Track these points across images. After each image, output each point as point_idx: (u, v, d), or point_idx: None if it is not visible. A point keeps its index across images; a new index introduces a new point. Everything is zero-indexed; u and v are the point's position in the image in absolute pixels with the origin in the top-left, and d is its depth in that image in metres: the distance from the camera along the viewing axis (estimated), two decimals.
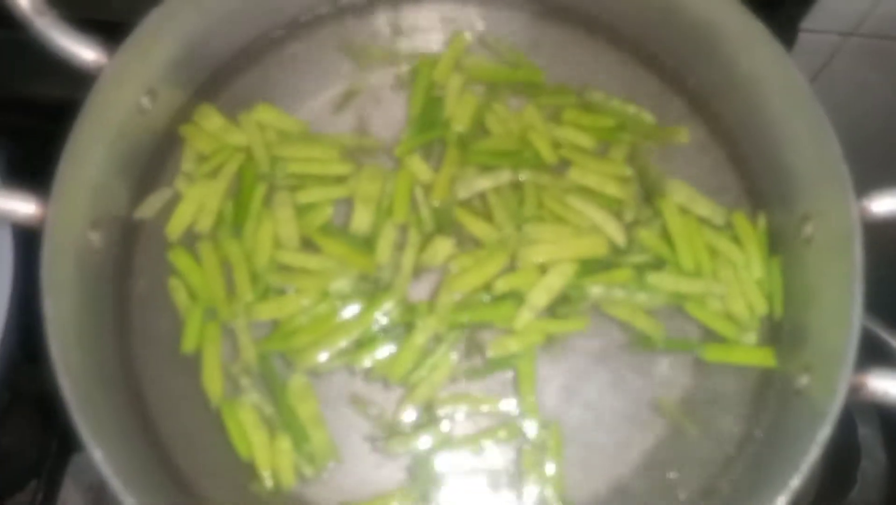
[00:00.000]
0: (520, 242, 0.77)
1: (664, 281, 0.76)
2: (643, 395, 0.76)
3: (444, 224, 0.79)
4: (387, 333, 0.74)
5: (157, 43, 0.76)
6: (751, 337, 0.76)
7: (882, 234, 0.70)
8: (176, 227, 0.78)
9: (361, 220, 0.78)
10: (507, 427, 0.73)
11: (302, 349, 0.74)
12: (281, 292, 0.76)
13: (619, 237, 0.78)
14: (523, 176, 0.80)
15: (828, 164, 0.70)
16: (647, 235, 0.79)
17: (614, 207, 0.80)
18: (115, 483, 0.60)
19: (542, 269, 0.76)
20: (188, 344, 0.74)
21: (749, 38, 0.76)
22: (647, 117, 0.85)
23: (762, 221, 0.79)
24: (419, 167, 0.80)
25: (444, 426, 0.73)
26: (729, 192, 0.83)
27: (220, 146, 0.82)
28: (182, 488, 0.71)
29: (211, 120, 0.81)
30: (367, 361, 0.74)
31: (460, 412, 0.73)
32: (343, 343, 0.74)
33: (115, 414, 0.70)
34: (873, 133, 1.06)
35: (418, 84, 0.85)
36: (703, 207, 0.80)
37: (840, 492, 0.91)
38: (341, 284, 0.75)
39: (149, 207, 0.79)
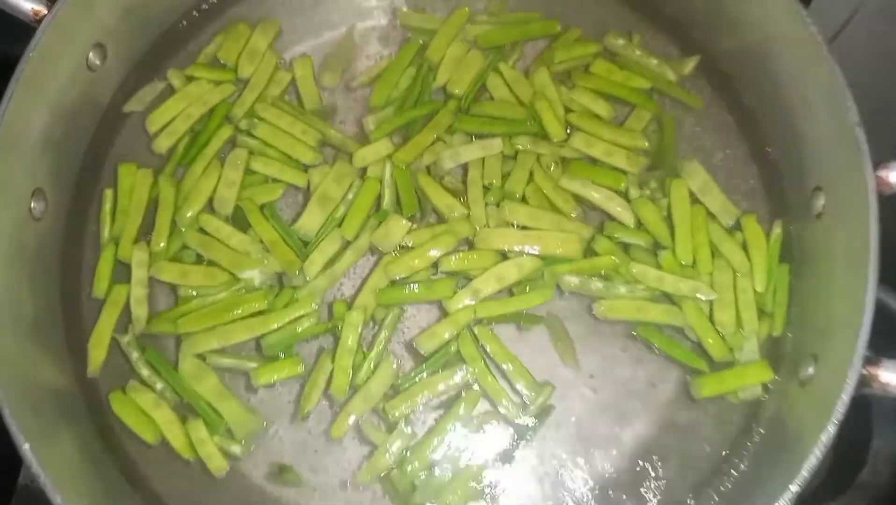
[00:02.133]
0: (487, 222, 0.71)
1: (647, 274, 0.70)
2: (637, 385, 0.71)
3: (408, 199, 0.72)
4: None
5: None
6: (751, 348, 0.69)
7: None
8: (156, 120, 0.75)
9: (310, 220, 0.72)
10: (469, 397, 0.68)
11: (192, 335, 0.69)
12: (195, 262, 0.71)
13: (627, 217, 0.72)
14: (519, 145, 0.74)
15: (843, 130, 0.63)
16: (648, 211, 0.72)
17: (618, 185, 0.74)
18: (45, 478, 0.56)
19: (503, 256, 0.71)
20: (99, 287, 0.71)
21: None
22: (669, 73, 0.78)
23: (777, 230, 0.72)
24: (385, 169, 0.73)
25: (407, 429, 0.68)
26: (737, 160, 0.77)
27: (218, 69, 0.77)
28: (134, 481, 0.68)
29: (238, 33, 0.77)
30: (264, 379, 0.68)
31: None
32: (239, 340, 0.69)
33: (57, 402, 0.66)
34: (894, 95, 0.98)
35: (400, 60, 0.78)
36: (716, 202, 0.73)
37: (850, 472, 0.86)
38: (254, 274, 0.70)
39: (138, 101, 0.77)
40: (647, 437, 0.69)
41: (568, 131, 0.76)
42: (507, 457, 0.69)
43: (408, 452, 0.67)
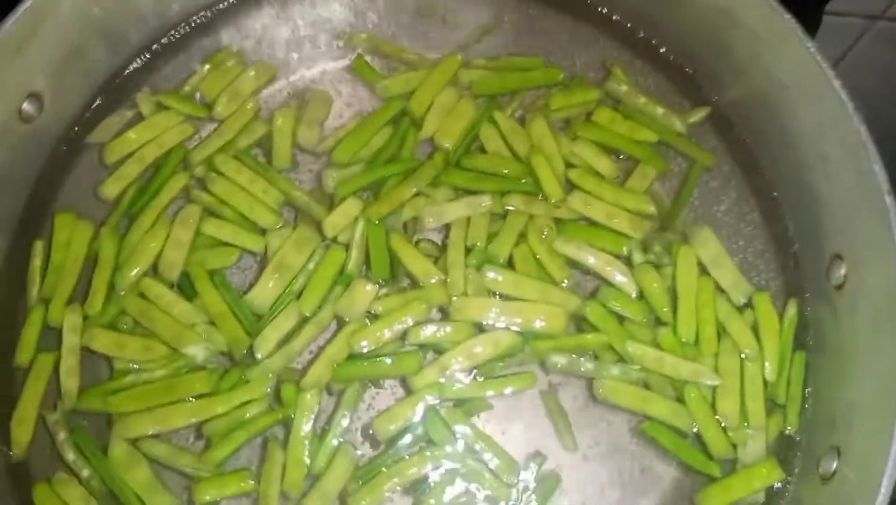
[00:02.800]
0: (465, 289, 0.64)
1: (645, 354, 0.63)
2: (637, 471, 0.64)
3: (379, 261, 0.65)
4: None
5: (37, 35, 0.62)
6: (757, 445, 0.61)
7: None
8: (115, 151, 0.68)
9: (264, 292, 0.64)
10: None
11: (125, 416, 0.61)
12: (131, 332, 0.63)
13: (629, 285, 0.65)
14: (511, 205, 0.67)
15: (867, 193, 0.57)
16: (651, 280, 0.65)
17: (619, 249, 0.67)
18: None
19: (480, 328, 0.64)
20: (23, 355, 0.63)
21: (770, 29, 0.62)
22: (677, 124, 0.71)
23: (792, 311, 0.65)
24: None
25: None
26: (746, 223, 0.70)
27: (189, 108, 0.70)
28: None
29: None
30: (208, 497, 0.60)
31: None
32: (179, 425, 0.61)
33: None
34: None
35: (377, 116, 0.70)
36: (727, 276, 0.66)
37: None
38: (197, 350, 0.63)
39: (104, 131, 0.70)
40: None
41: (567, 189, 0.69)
42: None
43: None
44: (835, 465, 0.57)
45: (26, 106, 0.64)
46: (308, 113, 0.70)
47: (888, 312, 0.54)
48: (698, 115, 0.71)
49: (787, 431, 0.63)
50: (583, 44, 0.74)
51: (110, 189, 0.67)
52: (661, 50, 0.73)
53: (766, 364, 0.63)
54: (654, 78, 0.73)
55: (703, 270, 0.66)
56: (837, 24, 0.95)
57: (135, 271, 0.64)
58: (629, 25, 0.74)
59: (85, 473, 0.60)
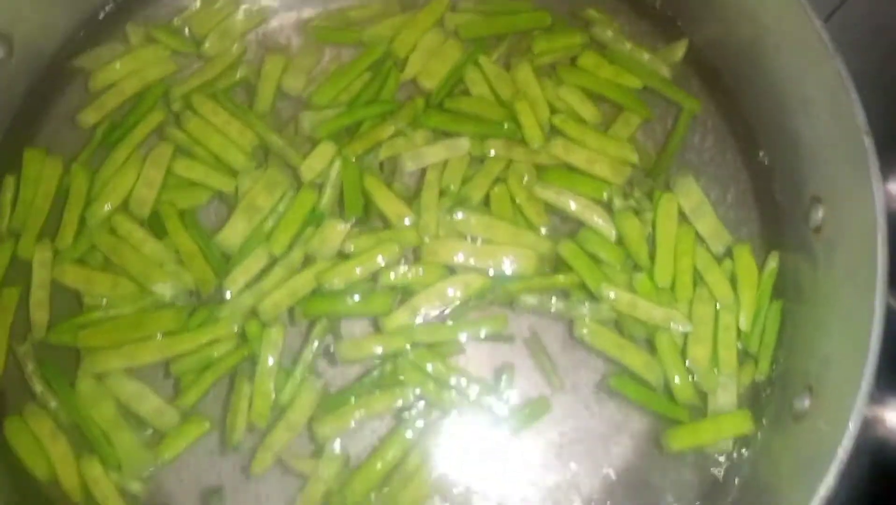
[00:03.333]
0: (437, 232, 0.64)
1: (620, 298, 0.63)
2: (623, 416, 0.65)
3: (353, 200, 0.65)
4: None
5: None
6: (728, 394, 0.62)
7: None
8: (100, 80, 0.69)
9: (233, 232, 0.65)
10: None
11: (95, 351, 0.62)
12: (101, 267, 0.64)
13: (608, 230, 0.65)
14: (491, 149, 0.67)
15: (846, 136, 0.56)
16: (631, 227, 0.65)
17: (599, 194, 0.67)
18: None
19: (450, 270, 0.64)
20: None
21: None
22: (663, 69, 0.70)
23: (773, 263, 0.65)
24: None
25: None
26: (727, 165, 0.70)
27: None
28: None
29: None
30: (171, 451, 0.61)
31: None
32: (147, 361, 0.62)
33: None
34: (892, 78, 0.93)
35: (358, 60, 0.70)
36: (707, 225, 0.66)
37: None
38: (165, 288, 0.63)
39: (93, 59, 0.70)
40: (626, 468, 0.64)
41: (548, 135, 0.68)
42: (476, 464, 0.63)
43: (346, 477, 0.61)
44: (807, 403, 0.58)
45: None
46: (297, 60, 0.70)
47: (863, 253, 0.54)
48: (678, 51, 0.71)
49: (757, 379, 0.63)
50: None
51: (89, 117, 0.68)
52: None
53: (742, 314, 0.63)
54: (637, 24, 0.72)
55: (683, 219, 0.66)
56: None
57: (106, 207, 0.64)
58: None
59: (52, 405, 0.61)
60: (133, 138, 0.67)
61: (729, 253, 0.66)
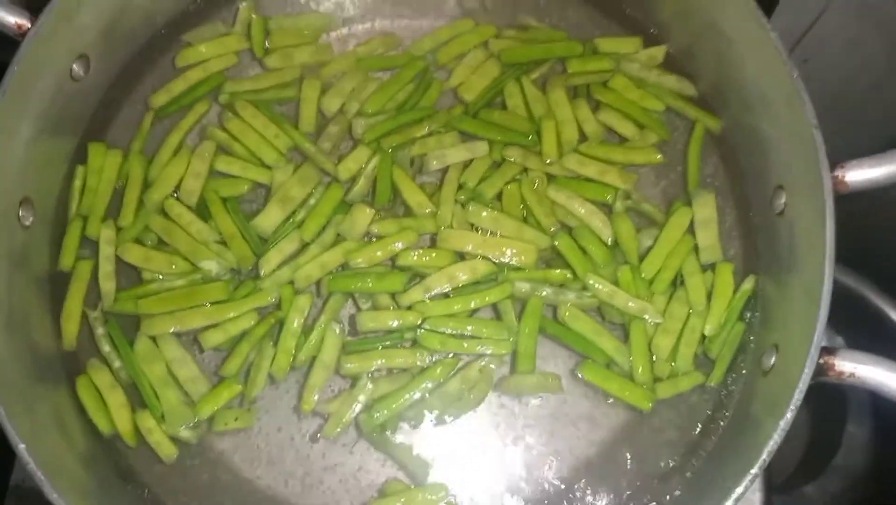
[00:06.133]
0: (451, 222, 0.75)
1: (601, 287, 0.73)
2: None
3: (384, 188, 0.76)
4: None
5: (83, 5, 0.73)
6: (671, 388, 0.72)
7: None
8: (186, 57, 0.80)
9: (268, 219, 0.76)
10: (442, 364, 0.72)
11: (152, 316, 0.73)
12: (157, 247, 0.75)
13: (605, 232, 0.76)
14: (510, 156, 0.78)
15: (800, 131, 0.68)
16: (625, 228, 0.76)
17: (604, 197, 0.77)
18: (41, 478, 0.59)
19: (460, 257, 0.75)
20: (65, 260, 0.74)
21: None
22: (689, 88, 0.81)
23: (748, 285, 0.75)
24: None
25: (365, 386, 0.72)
26: (707, 162, 0.80)
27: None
28: (127, 479, 0.71)
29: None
30: (207, 409, 0.71)
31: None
32: (196, 325, 0.72)
33: (49, 403, 0.69)
34: (866, 90, 1.02)
35: (404, 73, 0.81)
36: (707, 238, 0.76)
37: (825, 457, 0.89)
38: (211, 265, 0.75)
39: (197, 35, 0.81)
40: (618, 422, 0.73)
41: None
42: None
43: (375, 401, 0.71)
44: (773, 359, 0.68)
45: (76, 67, 0.75)
46: (337, 84, 0.81)
47: (816, 229, 0.65)
48: (659, 53, 0.81)
49: (709, 385, 0.73)
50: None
51: (156, 99, 0.80)
52: (626, 11, 0.84)
53: (709, 322, 0.73)
54: (617, 33, 0.84)
55: (688, 228, 0.76)
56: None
57: (160, 193, 0.76)
58: None
59: (116, 364, 0.72)
60: (182, 126, 0.78)
61: (712, 267, 0.76)
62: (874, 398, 0.85)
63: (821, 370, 0.62)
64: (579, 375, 0.73)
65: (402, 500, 0.69)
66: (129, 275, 0.75)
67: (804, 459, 0.85)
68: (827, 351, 0.62)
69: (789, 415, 0.61)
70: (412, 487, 0.71)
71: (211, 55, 0.81)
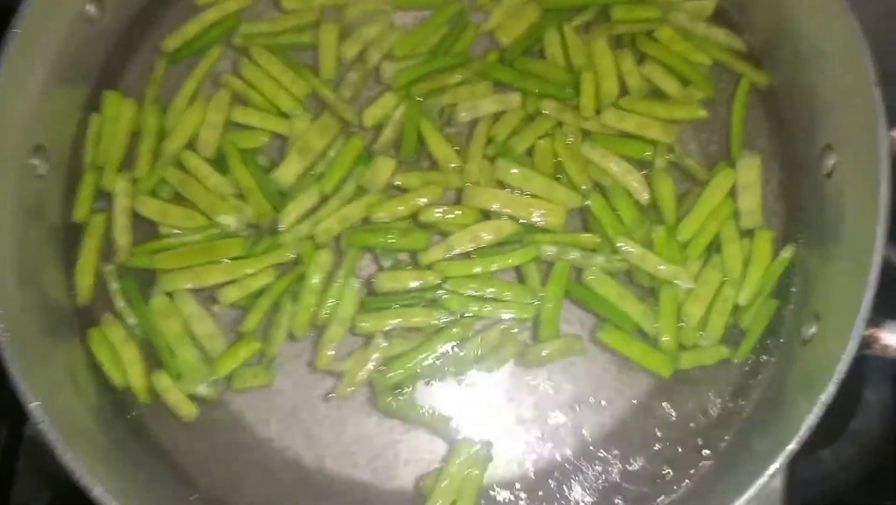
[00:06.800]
0: (478, 178, 0.72)
1: (632, 250, 0.70)
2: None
3: (410, 139, 0.72)
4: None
5: None
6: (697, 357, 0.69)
7: None
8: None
9: (288, 171, 0.74)
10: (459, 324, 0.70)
11: (168, 272, 0.71)
12: (174, 201, 0.73)
13: (642, 194, 0.73)
14: (545, 109, 0.74)
15: (858, 85, 0.64)
16: (664, 186, 0.72)
17: (642, 154, 0.73)
18: (55, 437, 0.58)
19: (485, 215, 0.72)
20: (79, 212, 0.73)
21: None
22: (737, 43, 0.77)
23: (786, 254, 0.71)
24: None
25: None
26: (752, 120, 0.76)
27: None
28: (141, 438, 0.70)
29: None
30: (225, 368, 0.69)
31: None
32: (215, 281, 0.71)
33: (62, 359, 0.68)
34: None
35: (438, 14, 0.76)
36: (748, 203, 0.72)
37: (841, 421, 0.88)
38: (229, 220, 0.72)
39: None
40: (654, 384, 0.71)
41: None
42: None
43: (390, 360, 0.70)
44: (814, 329, 0.66)
45: (89, 7, 0.72)
46: (357, 29, 0.77)
47: (868, 193, 0.62)
48: (709, 3, 0.76)
49: (734, 360, 0.70)
50: None
51: (169, 43, 0.77)
52: None
53: (743, 292, 0.70)
54: None
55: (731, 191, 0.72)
56: None
57: (176, 144, 0.74)
58: None
59: (130, 320, 0.71)
60: (197, 73, 0.76)
61: (751, 233, 0.72)
62: (893, 365, 0.84)
63: (866, 343, 0.59)
64: (599, 338, 0.71)
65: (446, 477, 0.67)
66: (145, 229, 0.73)
67: (820, 425, 0.83)
68: (873, 323, 0.59)
69: (831, 388, 0.59)
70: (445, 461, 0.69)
71: None
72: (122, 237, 0.72)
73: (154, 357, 0.70)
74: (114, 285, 0.72)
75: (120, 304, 0.71)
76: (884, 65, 0.63)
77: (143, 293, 0.71)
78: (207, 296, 0.72)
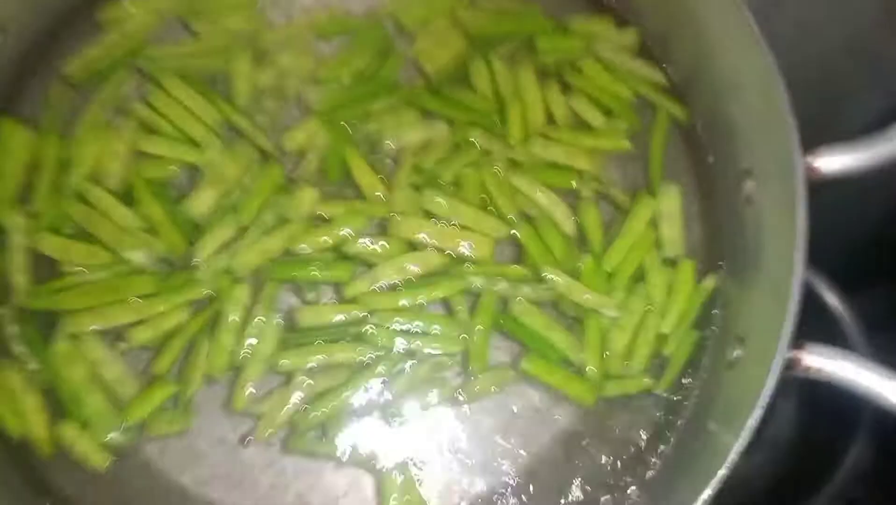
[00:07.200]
0: (404, 208, 0.71)
1: (557, 280, 0.70)
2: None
3: (335, 165, 0.70)
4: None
5: None
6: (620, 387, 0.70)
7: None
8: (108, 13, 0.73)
9: (200, 201, 0.70)
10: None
11: (72, 313, 0.67)
12: (77, 237, 0.68)
13: (567, 225, 0.73)
14: (472, 137, 0.73)
15: (773, 115, 0.66)
16: (591, 217, 0.73)
17: (568, 183, 0.73)
18: None
19: (412, 245, 0.71)
20: None
21: None
22: (658, 76, 0.78)
23: (708, 284, 0.73)
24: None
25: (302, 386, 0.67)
26: (673, 151, 0.77)
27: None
28: (42, 491, 0.66)
29: None
30: (138, 413, 0.66)
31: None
32: (124, 321, 0.67)
33: None
34: (823, 75, 1.01)
35: (362, 38, 0.75)
36: (670, 231, 0.73)
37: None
38: (138, 255, 0.69)
39: None
40: (574, 418, 0.71)
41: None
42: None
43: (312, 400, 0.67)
44: (738, 352, 0.67)
45: None
46: (274, 56, 0.74)
47: (786, 218, 0.63)
48: (629, 35, 0.78)
49: (656, 392, 0.71)
50: None
51: (69, 67, 0.72)
52: None
53: (666, 320, 0.71)
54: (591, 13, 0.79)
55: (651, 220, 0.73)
56: None
57: (78, 175, 0.69)
58: None
59: (31, 365, 0.66)
60: (99, 99, 0.71)
61: (673, 263, 0.73)
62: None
63: (788, 365, 0.60)
64: (523, 369, 0.70)
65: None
66: (46, 267, 0.69)
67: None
68: (795, 345, 0.61)
69: (758, 412, 0.59)
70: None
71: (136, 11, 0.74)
72: (19, 277, 0.67)
73: (58, 404, 0.65)
74: (11, 329, 0.66)
75: (18, 349, 0.66)
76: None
77: (44, 336, 0.66)
78: (116, 336, 0.68)
